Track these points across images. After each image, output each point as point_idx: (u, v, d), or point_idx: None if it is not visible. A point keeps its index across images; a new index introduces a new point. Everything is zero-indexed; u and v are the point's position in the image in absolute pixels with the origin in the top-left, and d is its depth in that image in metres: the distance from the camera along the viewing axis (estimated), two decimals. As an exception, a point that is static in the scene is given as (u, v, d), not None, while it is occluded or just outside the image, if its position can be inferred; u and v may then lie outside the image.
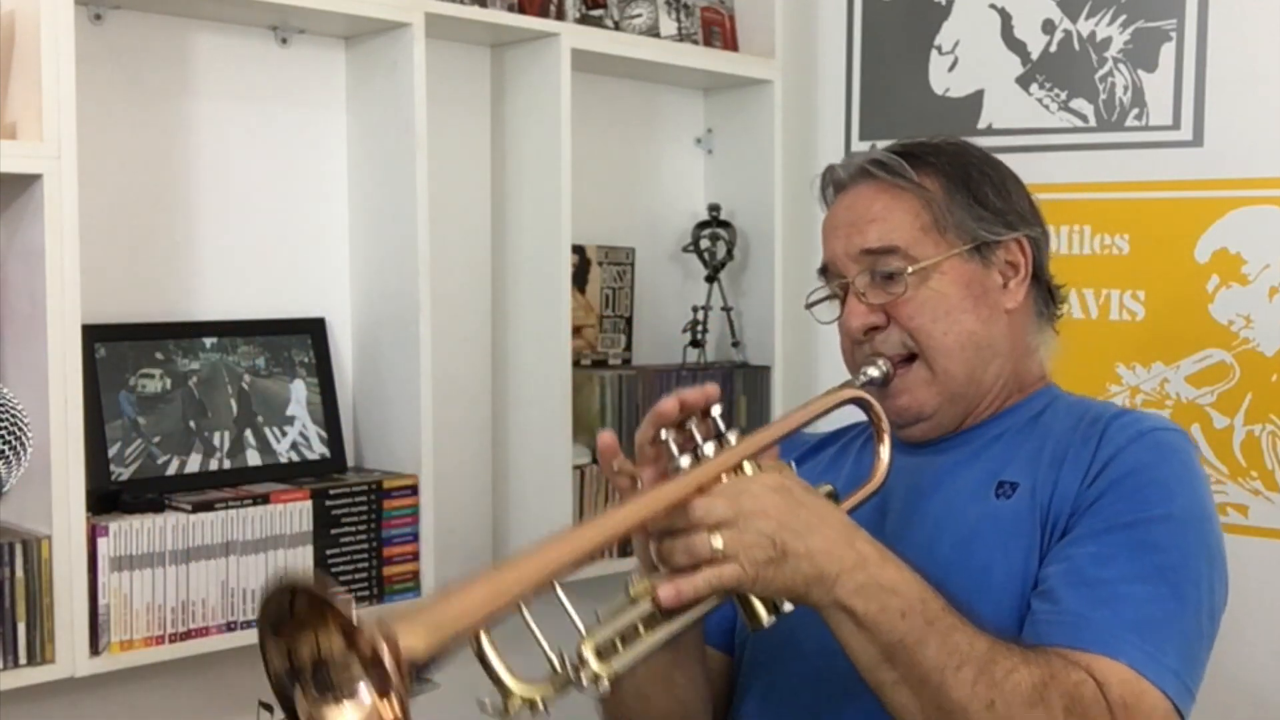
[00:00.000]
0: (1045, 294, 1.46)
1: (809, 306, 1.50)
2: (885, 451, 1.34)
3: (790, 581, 1.14)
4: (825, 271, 1.46)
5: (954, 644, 1.14)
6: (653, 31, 2.49)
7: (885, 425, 1.34)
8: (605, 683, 1.07)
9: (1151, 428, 1.34)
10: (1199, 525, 1.28)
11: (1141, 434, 1.32)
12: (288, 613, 0.95)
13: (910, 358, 1.38)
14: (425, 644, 0.95)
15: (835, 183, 1.48)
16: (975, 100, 2.54)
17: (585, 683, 1.07)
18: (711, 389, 1.21)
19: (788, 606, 1.18)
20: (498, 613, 1.03)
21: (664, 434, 1.19)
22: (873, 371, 1.36)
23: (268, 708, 1.93)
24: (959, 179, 1.41)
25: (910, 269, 1.37)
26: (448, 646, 0.99)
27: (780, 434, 1.27)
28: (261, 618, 0.96)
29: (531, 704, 1.04)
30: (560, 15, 2.33)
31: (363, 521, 2.00)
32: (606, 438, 1.23)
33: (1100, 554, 1.24)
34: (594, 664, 1.07)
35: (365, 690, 0.96)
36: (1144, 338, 2.33)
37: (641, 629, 1.13)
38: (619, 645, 1.11)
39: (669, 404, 1.20)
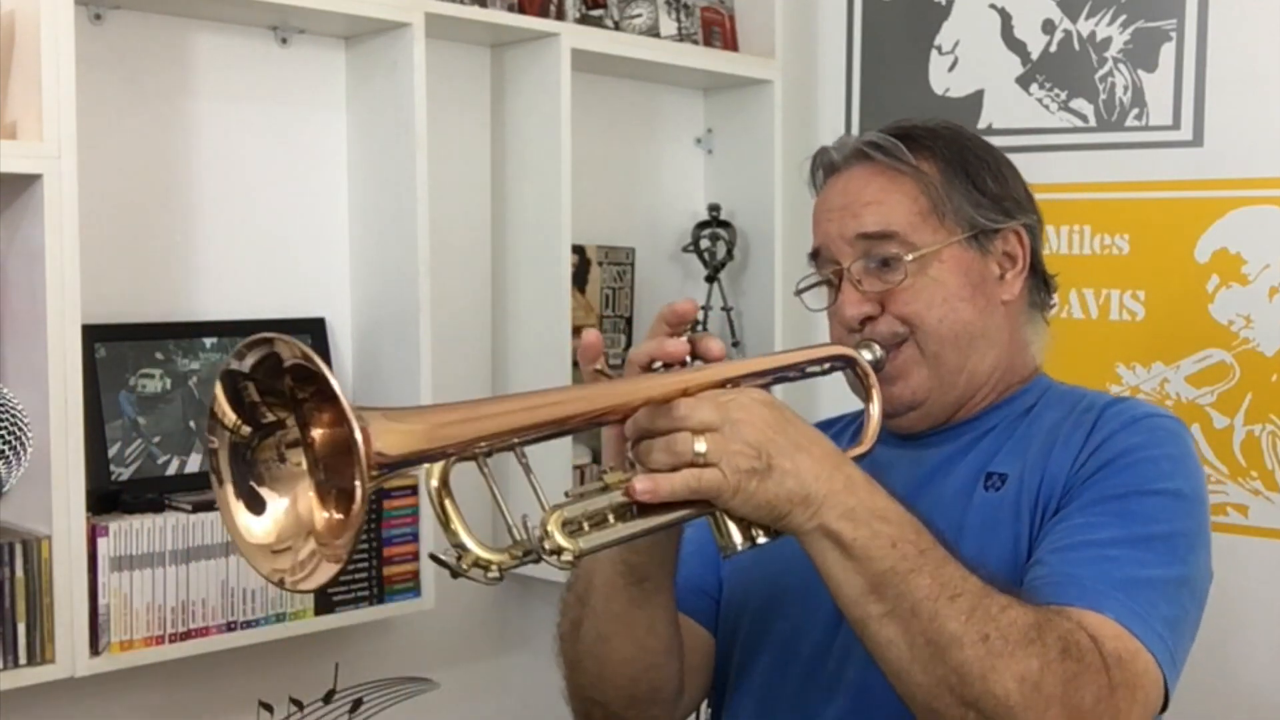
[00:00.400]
0: (1040, 283, 1.44)
1: (799, 293, 1.45)
2: (875, 409, 1.29)
3: (773, 498, 1.07)
4: (816, 256, 1.42)
5: (948, 575, 1.09)
6: (653, 31, 2.49)
7: (873, 381, 1.30)
8: (569, 556, 1.01)
9: (1146, 413, 1.32)
10: (1191, 505, 1.26)
11: (1136, 419, 1.30)
12: (260, 378, 0.91)
13: (901, 343, 1.35)
14: (395, 448, 0.91)
15: (827, 165, 1.45)
16: (975, 100, 2.54)
17: (547, 553, 1.01)
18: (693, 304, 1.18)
19: (762, 539, 1.11)
20: (471, 441, 0.98)
21: (656, 365, 1.14)
22: (866, 355, 1.32)
23: (268, 708, 1.93)
24: (957, 163, 1.38)
25: (910, 256, 1.33)
26: (414, 459, 0.94)
27: (768, 367, 1.22)
28: (230, 366, 0.92)
29: (486, 565, 0.99)
30: (560, 15, 2.33)
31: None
32: (592, 336, 1.18)
33: (1090, 523, 1.22)
34: (559, 536, 1.01)
35: (298, 491, 0.92)
36: (1144, 338, 2.33)
37: (612, 518, 1.06)
38: (586, 527, 1.05)
39: (688, 304, 1.16)
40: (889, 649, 1.09)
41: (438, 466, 1.00)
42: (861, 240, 1.36)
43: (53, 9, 1.66)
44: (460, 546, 0.99)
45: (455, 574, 1.00)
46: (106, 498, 1.82)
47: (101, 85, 1.89)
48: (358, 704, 2.01)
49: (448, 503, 1.00)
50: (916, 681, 1.09)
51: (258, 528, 0.94)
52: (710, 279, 2.61)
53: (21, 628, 1.66)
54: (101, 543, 1.74)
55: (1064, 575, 1.17)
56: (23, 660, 1.66)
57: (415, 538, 2.07)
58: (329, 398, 0.87)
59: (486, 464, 1.01)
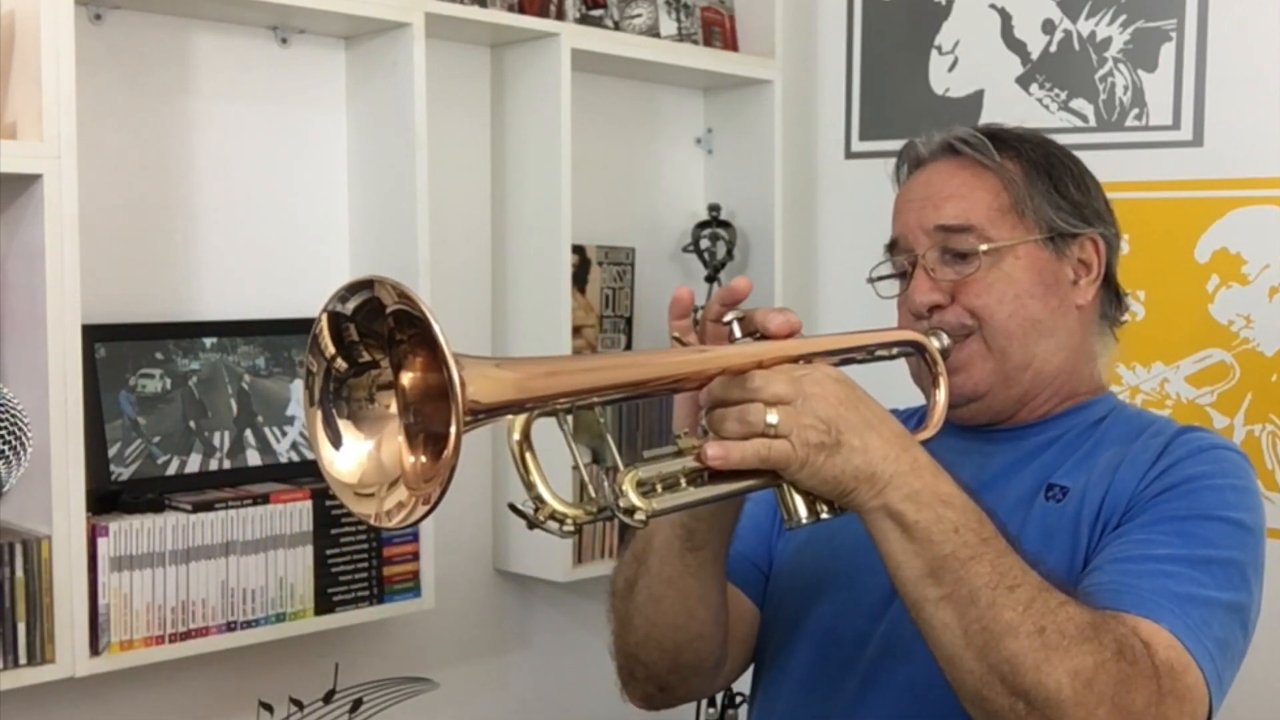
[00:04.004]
0: (1112, 297, 1.45)
1: (871, 281, 1.46)
2: (942, 396, 1.30)
3: (839, 473, 1.09)
4: (893, 247, 1.43)
5: (1007, 565, 1.09)
6: (653, 31, 2.49)
7: (941, 370, 1.31)
8: (642, 515, 1.04)
9: (1214, 444, 1.32)
10: (1251, 537, 1.25)
11: (1204, 449, 1.30)
12: (359, 319, 0.94)
13: (968, 335, 1.36)
14: (488, 396, 0.93)
15: (914, 159, 1.46)
16: (975, 100, 2.54)
17: (622, 511, 1.03)
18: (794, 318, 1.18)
19: (826, 514, 1.12)
20: (557, 395, 1.01)
21: (730, 316, 1.16)
22: (934, 342, 1.33)
23: (268, 708, 1.94)
24: (1041, 166, 1.40)
25: (984, 247, 1.35)
26: (504, 408, 0.97)
27: (840, 346, 1.24)
28: (334, 306, 0.94)
29: (561, 519, 1.02)
30: (560, 15, 2.33)
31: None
32: (683, 291, 1.21)
33: (1150, 539, 1.22)
34: (633, 496, 1.04)
35: (388, 431, 0.95)
36: (1144, 338, 2.33)
37: (684, 482, 1.09)
38: (659, 489, 1.08)
39: (742, 281, 1.18)
40: (943, 633, 1.10)
41: (520, 421, 1.03)
42: (940, 231, 1.37)
43: (53, 9, 1.66)
44: (538, 499, 1.02)
45: (532, 525, 1.03)
46: (106, 498, 1.82)
47: (101, 85, 1.89)
48: (358, 704, 2.01)
49: (529, 456, 1.03)
50: (968, 668, 1.09)
51: (340, 464, 0.97)
52: (710, 279, 2.61)
53: (21, 628, 1.66)
54: (101, 543, 1.74)
55: (1121, 584, 1.18)
56: (23, 660, 1.66)
57: (415, 538, 2.07)
58: (427, 341, 0.89)
59: (566, 421, 1.05)
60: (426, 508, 0.93)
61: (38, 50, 1.66)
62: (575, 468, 1.05)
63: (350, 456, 0.97)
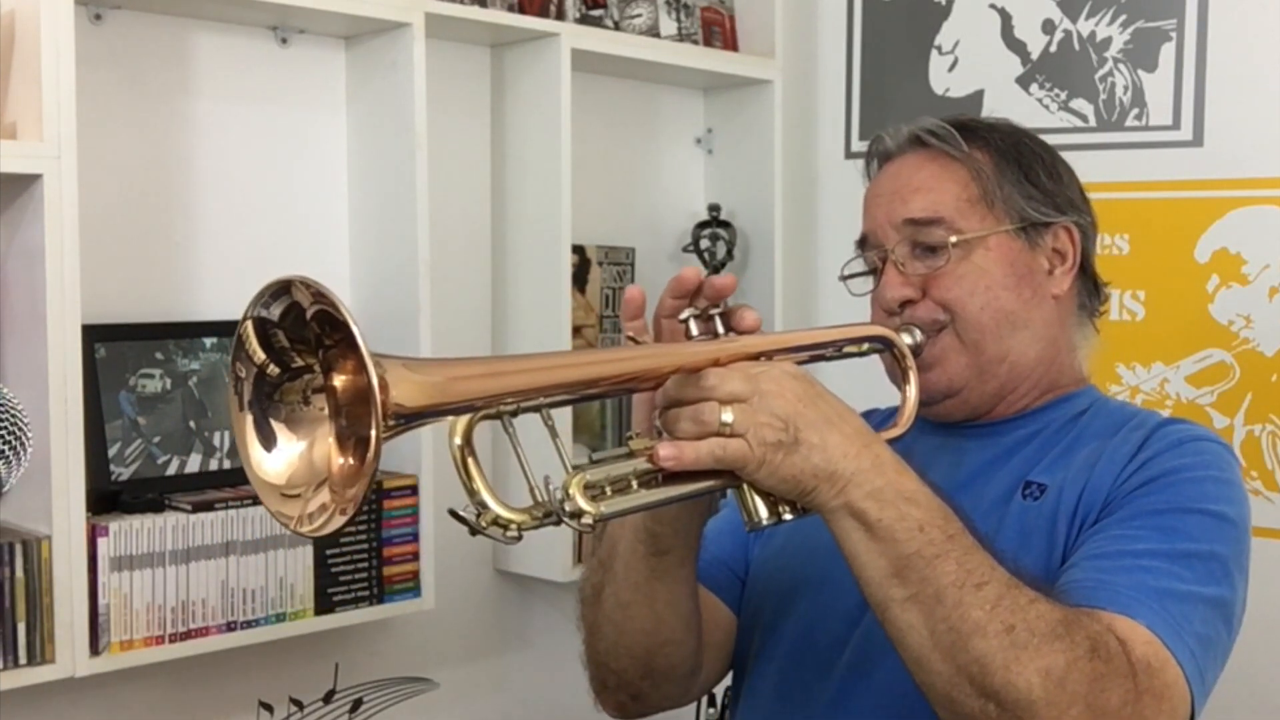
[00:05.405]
0: (1090, 287, 1.42)
1: (843, 279, 1.43)
2: (912, 393, 1.28)
3: (798, 472, 1.06)
4: (864, 243, 1.41)
5: (975, 562, 1.06)
6: (653, 31, 2.49)
7: (910, 364, 1.29)
8: (589, 519, 1.00)
9: (1196, 436, 1.30)
10: (1233, 530, 1.23)
11: (1184, 440, 1.28)
12: (283, 322, 0.92)
13: (941, 329, 1.34)
14: (412, 399, 0.90)
15: (882, 153, 1.44)
16: (975, 100, 2.54)
17: (568, 515, 1.00)
18: (733, 279, 1.15)
19: (788, 515, 1.09)
20: (491, 396, 0.98)
21: (685, 313, 1.13)
22: (906, 338, 1.31)
23: (268, 708, 1.94)
24: (1011, 155, 1.37)
25: (954, 239, 1.32)
26: (431, 411, 0.93)
27: (804, 343, 1.21)
28: (255, 308, 0.92)
29: (505, 525, 0.98)
30: (560, 15, 2.33)
31: (363, 522, 2.01)
32: (633, 291, 1.17)
33: (1128, 535, 1.19)
34: (580, 499, 1.00)
35: (320, 432, 0.92)
36: (1144, 338, 2.33)
37: (635, 484, 1.05)
38: (609, 492, 1.03)
39: (690, 271, 1.15)
40: (909, 634, 1.07)
41: (461, 424, 1.00)
42: (908, 225, 1.35)
43: (53, 9, 1.66)
44: (481, 504, 0.99)
45: (474, 531, 0.99)
46: (106, 498, 1.82)
47: (101, 85, 1.88)
48: (358, 704, 2.01)
49: (470, 460, 1.00)
50: (936, 669, 1.06)
51: (269, 465, 0.94)
52: (710, 279, 2.61)
53: (21, 628, 1.66)
54: (101, 543, 1.74)
55: (1097, 581, 1.15)
56: (23, 660, 1.66)
57: (415, 538, 2.07)
58: (352, 344, 0.87)
59: (511, 424, 1.01)
60: (344, 518, 0.90)
61: (38, 50, 1.65)
62: (524, 470, 1.02)
63: (281, 457, 0.94)
